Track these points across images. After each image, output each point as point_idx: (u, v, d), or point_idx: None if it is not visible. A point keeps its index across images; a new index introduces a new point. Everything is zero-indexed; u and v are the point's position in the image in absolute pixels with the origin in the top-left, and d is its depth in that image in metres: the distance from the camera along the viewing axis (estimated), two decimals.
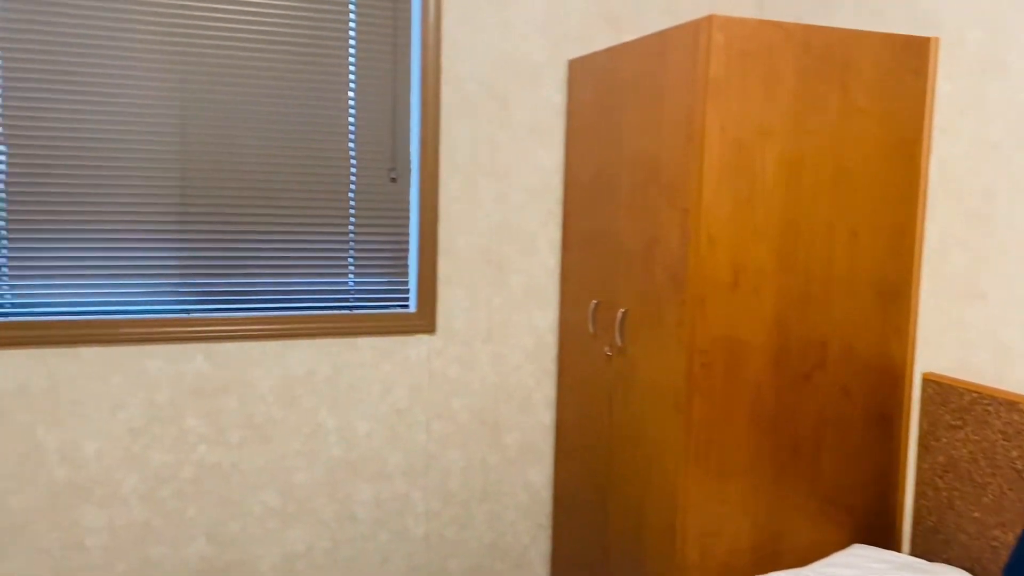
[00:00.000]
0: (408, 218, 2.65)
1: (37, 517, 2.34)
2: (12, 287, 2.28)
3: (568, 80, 2.73)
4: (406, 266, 2.67)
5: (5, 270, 2.27)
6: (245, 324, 2.48)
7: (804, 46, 2.05)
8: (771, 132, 2.05)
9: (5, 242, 2.26)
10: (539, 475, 2.88)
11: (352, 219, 2.60)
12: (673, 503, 2.13)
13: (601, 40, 2.78)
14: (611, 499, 2.45)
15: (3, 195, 2.25)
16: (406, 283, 2.67)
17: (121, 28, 2.30)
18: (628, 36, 2.80)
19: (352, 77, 2.55)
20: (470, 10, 2.62)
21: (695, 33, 2.00)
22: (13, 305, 2.29)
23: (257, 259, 2.50)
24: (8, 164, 2.24)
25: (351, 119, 2.56)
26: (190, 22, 2.36)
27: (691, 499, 2.10)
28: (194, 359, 2.45)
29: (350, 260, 2.61)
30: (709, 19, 1.96)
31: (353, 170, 2.58)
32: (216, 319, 2.45)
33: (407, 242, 2.66)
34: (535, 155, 2.75)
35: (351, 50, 2.53)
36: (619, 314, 2.36)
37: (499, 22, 2.65)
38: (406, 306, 2.68)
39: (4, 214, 2.25)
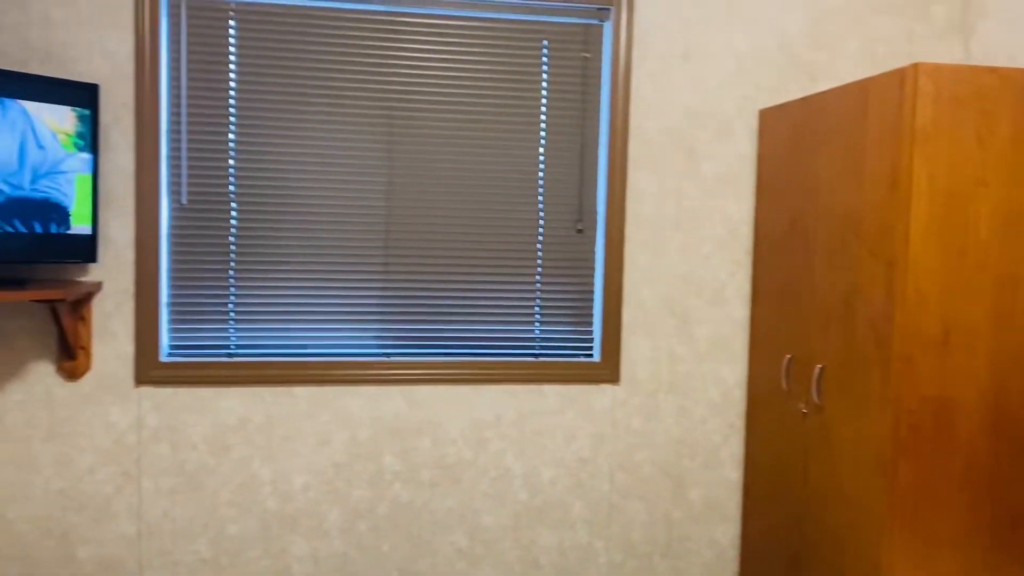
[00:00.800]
0: (593, 268, 2.70)
1: (251, 544, 2.54)
2: (237, 330, 2.52)
3: (759, 130, 2.71)
4: (591, 316, 2.71)
5: (232, 314, 2.51)
6: (439, 368, 2.60)
7: (1022, 90, 1.94)
8: (985, 181, 1.94)
9: (233, 289, 2.50)
10: (725, 533, 2.80)
11: (539, 269, 2.68)
12: (876, 571, 2.01)
13: (793, 89, 2.74)
14: (805, 563, 2.34)
15: (233, 247, 2.49)
16: (590, 332, 2.71)
17: (336, 98, 2.52)
18: (822, 85, 2.74)
19: (542, 134, 2.65)
20: (659, 66, 2.66)
21: (900, 81, 1.94)
22: (238, 346, 2.52)
23: (451, 307, 2.63)
24: (238, 220, 2.49)
25: (540, 174, 2.66)
26: (397, 88, 2.55)
27: (896, 568, 1.98)
28: (393, 400, 2.59)
29: (536, 309, 2.68)
30: (915, 67, 1.89)
31: (541, 222, 2.67)
32: (413, 363, 2.59)
33: (592, 292, 2.71)
34: (723, 205, 2.73)
35: (542, 108, 2.64)
36: (816, 370, 2.28)
37: (689, 76, 2.68)
38: (590, 355, 2.71)
39: (233, 264, 2.50)
